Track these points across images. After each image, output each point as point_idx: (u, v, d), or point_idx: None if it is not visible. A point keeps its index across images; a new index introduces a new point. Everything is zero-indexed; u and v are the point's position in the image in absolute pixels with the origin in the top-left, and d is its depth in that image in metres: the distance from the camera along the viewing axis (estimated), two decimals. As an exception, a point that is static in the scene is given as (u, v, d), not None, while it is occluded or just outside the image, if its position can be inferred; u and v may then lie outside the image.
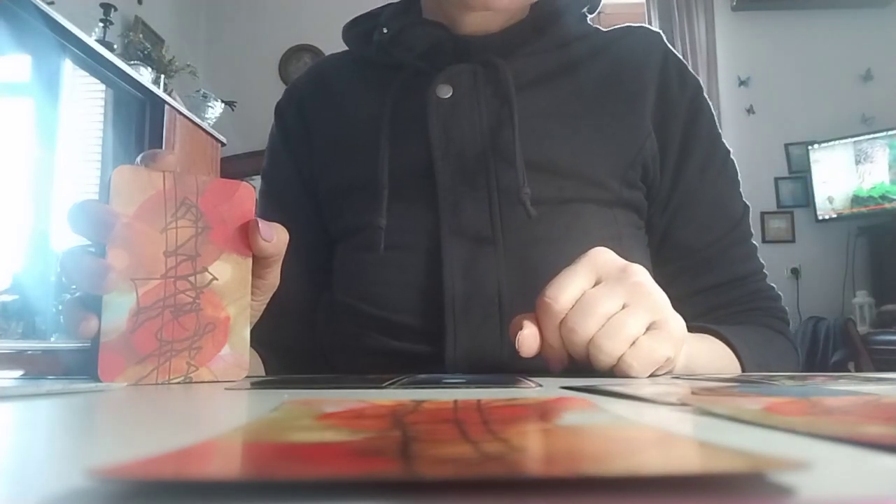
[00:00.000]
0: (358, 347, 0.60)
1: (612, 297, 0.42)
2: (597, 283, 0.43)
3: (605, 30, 0.68)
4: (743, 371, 0.55)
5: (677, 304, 0.45)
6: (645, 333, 0.42)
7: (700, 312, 0.60)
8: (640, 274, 0.43)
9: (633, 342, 0.41)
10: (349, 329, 0.61)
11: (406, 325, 0.58)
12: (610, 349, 0.41)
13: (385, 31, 0.66)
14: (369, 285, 0.60)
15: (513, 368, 0.49)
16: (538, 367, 0.45)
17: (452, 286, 0.57)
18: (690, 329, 0.51)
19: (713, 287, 0.62)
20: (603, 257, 0.44)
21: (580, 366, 0.44)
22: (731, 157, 0.66)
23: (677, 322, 0.44)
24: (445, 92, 0.61)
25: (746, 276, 0.64)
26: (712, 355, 0.54)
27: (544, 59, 0.64)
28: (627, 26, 0.68)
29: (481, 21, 0.63)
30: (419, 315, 0.58)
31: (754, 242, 0.66)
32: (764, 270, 0.65)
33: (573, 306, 0.42)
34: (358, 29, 0.70)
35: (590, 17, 0.68)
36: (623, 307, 0.42)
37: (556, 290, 0.42)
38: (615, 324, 0.41)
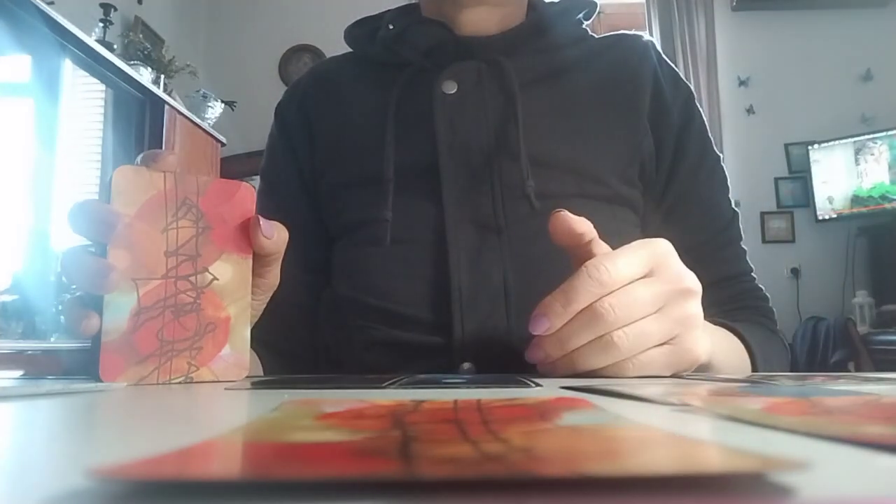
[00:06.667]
0: (363, 340, 0.60)
1: (655, 300, 0.41)
2: (647, 276, 0.41)
3: (598, 36, 0.70)
4: (753, 369, 0.56)
5: None
6: (660, 346, 0.41)
7: None
8: (691, 282, 0.43)
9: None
10: (354, 322, 0.61)
11: (413, 317, 0.58)
12: (625, 349, 0.40)
13: (391, 27, 0.67)
14: (375, 278, 0.61)
15: (521, 358, 0.49)
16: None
17: (459, 277, 0.57)
18: (712, 322, 0.51)
19: (704, 286, 0.63)
20: (666, 253, 0.43)
21: (544, 367, 0.42)
22: (722, 163, 0.68)
23: (696, 342, 0.43)
24: (451, 88, 0.62)
25: (736, 275, 0.65)
26: (730, 349, 0.55)
27: (542, 61, 0.65)
28: (621, 33, 0.70)
29: (478, 20, 0.65)
30: (426, 306, 0.58)
31: (744, 246, 0.67)
32: (753, 273, 0.67)
33: (617, 290, 0.40)
34: (361, 30, 0.71)
35: (586, 23, 0.69)
36: (658, 311, 0.41)
37: (612, 263, 0.40)
38: (642, 329, 0.40)
